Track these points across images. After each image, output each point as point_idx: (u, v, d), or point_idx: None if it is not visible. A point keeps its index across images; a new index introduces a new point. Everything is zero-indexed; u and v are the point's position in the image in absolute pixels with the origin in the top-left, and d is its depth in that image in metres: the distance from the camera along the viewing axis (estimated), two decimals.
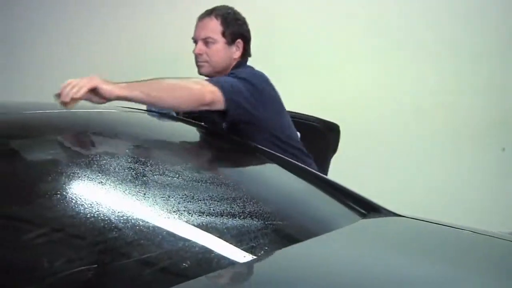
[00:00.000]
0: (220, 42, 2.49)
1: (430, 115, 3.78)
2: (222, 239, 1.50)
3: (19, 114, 2.01)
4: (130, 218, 1.48)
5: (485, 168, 3.75)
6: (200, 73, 2.54)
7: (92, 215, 1.44)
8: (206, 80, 2.30)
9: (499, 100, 3.74)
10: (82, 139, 1.92)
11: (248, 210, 1.65)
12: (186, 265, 1.39)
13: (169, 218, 1.54)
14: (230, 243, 1.50)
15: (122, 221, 1.45)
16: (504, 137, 3.73)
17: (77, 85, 1.89)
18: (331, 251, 1.60)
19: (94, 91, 1.93)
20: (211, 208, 1.61)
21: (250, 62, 2.62)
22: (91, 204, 1.48)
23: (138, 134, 2.12)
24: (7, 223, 1.45)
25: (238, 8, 2.62)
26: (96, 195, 1.56)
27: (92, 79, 1.92)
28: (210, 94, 2.19)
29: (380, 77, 3.83)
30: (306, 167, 2.14)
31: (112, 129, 2.08)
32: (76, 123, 2.02)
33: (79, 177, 1.63)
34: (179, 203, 1.58)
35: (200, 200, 1.63)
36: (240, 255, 1.47)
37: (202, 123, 2.36)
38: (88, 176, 1.64)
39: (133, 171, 1.73)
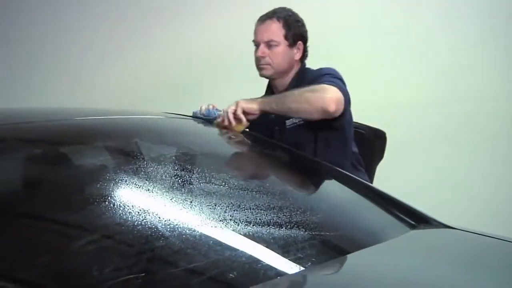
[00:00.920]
0: (283, 45, 2.51)
1: (479, 121, 3.70)
2: (270, 249, 1.49)
3: (71, 120, 2.06)
4: (178, 227, 1.48)
5: None
6: (262, 75, 2.57)
7: (139, 223, 1.44)
8: (330, 85, 2.33)
9: None
10: (131, 146, 1.93)
11: (296, 220, 1.63)
12: (233, 276, 1.38)
13: (216, 227, 1.53)
14: (278, 254, 1.49)
15: (169, 229, 1.45)
16: None
17: (230, 112, 2.29)
18: (380, 263, 1.56)
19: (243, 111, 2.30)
20: (259, 218, 1.59)
21: None
22: (138, 212, 1.48)
23: (185, 140, 2.13)
24: (56, 229, 1.47)
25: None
26: (144, 202, 1.57)
27: (238, 103, 2.31)
28: (334, 103, 2.27)
29: (428, 82, 3.77)
30: (355, 177, 2.11)
31: (161, 135, 2.10)
32: (126, 129, 2.04)
33: (128, 184, 1.63)
34: (226, 212, 1.57)
35: (248, 210, 1.62)
36: (288, 266, 1.45)
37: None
38: (136, 183, 1.64)
39: (180, 179, 1.73)
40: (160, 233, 1.43)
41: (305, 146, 2.42)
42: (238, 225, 1.54)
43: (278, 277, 1.39)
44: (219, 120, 2.33)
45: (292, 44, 2.52)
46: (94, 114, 2.22)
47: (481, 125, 3.70)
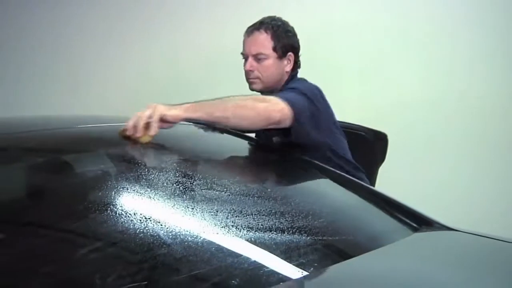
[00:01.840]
0: (272, 57, 2.43)
1: (485, 122, 3.69)
2: (273, 254, 1.48)
3: (70, 128, 2.06)
4: (180, 233, 1.48)
5: None
6: (252, 89, 2.48)
7: (141, 230, 1.43)
8: (274, 96, 2.19)
9: None
10: (132, 153, 1.93)
11: (298, 225, 1.63)
12: (236, 282, 1.37)
13: (218, 233, 1.52)
14: (281, 259, 1.48)
15: (172, 236, 1.45)
16: None
17: (143, 119, 1.85)
18: (384, 267, 1.56)
19: (161, 119, 1.90)
20: (261, 223, 1.58)
21: None
22: (140, 219, 1.47)
23: (187, 146, 2.12)
24: (59, 237, 1.46)
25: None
26: (143, 210, 1.55)
27: (156, 109, 1.89)
28: (279, 113, 2.10)
29: (428, 83, 3.76)
30: (356, 180, 2.10)
31: (161, 142, 2.09)
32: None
33: (129, 191, 1.63)
34: (228, 218, 1.57)
35: (250, 215, 1.61)
36: (290, 271, 1.44)
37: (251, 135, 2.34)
38: (137, 190, 1.64)
39: (182, 185, 1.73)
40: (161, 240, 1.43)
41: None
42: (238, 231, 1.53)
43: (281, 283, 1.39)
44: (123, 129, 1.88)
45: (281, 56, 2.44)
46: (89, 122, 2.21)
47: (484, 125, 3.69)
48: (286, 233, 1.57)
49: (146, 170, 1.75)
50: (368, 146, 2.74)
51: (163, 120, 1.89)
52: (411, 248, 1.69)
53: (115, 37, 4.32)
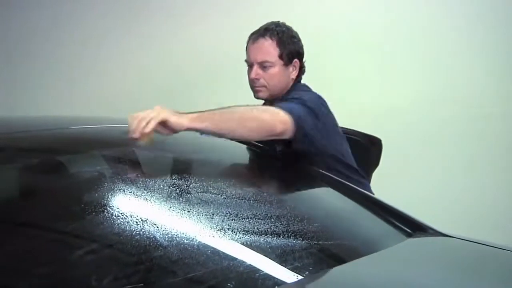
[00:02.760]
0: (278, 65, 2.36)
1: (478, 126, 3.70)
2: (268, 258, 1.49)
3: (63, 129, 2.06)
4: (176, 236, 1.48)
5: None
6: (257, 98, 2.43)
7: (136, 233, 1.44)
8: (276, 107, 2.15)
9: None
10: (126, 155, 1.94)
11: (292, 229, 1.63)
12: (231, 285, 1.38)
13: (215, 236, 1.53)
14: (277, 263, 1.49)
15: (168, 239, 1.46)
16: None
17: (145, 119, 1.80)
18: (377, 272, 1.57)
19: (163, 123, 1.84)
20: (257, 228, 1.59)
21: None
22: (136, 222, 1.48)
23: (183, 150, 2.12)
24: (55, 239, 1.47)
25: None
26: (138, 213, 1.56)
27: (161, 111, 1.83)
28: (282, 124, 2.07)
29: (424, 88, 3.78)
30: (351, 185, 2.10)
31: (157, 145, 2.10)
32: (119, 138, 2.04)
33: (124, 193, 1.64)
34: (224, 221, 1.57)
35: (246, 219, 1.62)
36: (285, 276, 1.45)
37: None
38: (131, 193, 1.65)
39: (174, 188, 1.73)
40: (157, 243, 1.44)
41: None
42: (233, 234, 1.54)
43: (276, 287, 1.40)
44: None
45: (287, 62, 2.38)
46: (85, 123, 2.21)
47: (479, 129, 3.71)
48: (279, 238, 1.58)
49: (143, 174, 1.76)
50: (363, 151, 2.73)
51: (164, 125, 1.84)
52: (404, 254, 1.70)
53: (112, 37, 4.32)
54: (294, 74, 2.42)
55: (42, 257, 1.38)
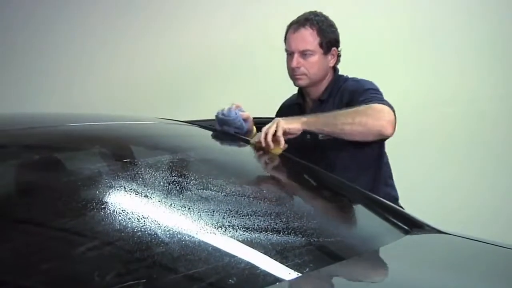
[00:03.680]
0: (318, 53, 2.44)
1: (475, 122, 3.72)
2: (268, 256, 1.50)
3: (62, 126, 2.06)
4: (174, 234, 1.49)
5: None
6: (297, 85, 2.51)
7: (135, 229, 1.45)
8: (383, 105, 2.26)
9: None
10: (122, 153, 1.95)
11: (291, 227, 1.65)
12: (232, 281, 1.39)
13: (216, 234, 1.54)
14: (276, 260, 1.49)
15: (166, 236, 1.46)
16: None
17: (270, 133, 2.13)
18: (375, 270, 1.59)
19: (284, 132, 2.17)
20: (256, 225, 1.60)
21: None
22: (132, 219, 1.49)
23: (179, 145, 2.13)
24: (53, 236, 1.48)
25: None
26: (138, 210, 1.57)
27: (279, 124, 2.15)
28: (390, 127, 2.22)
29: (422, 84, 3.79)
30: (349, 183, 2.11)
31: (153, 141, 2.10)
32: (118, 136, 2.05)
33: (120, 191, 1.64)
34: (223, 218, 1.58)
35: (245, 216, 1.63)
36: (283, 273, 1.45)
37: None
38: (127, 191, 1.65)
39: (173, 186, 1.74)
40: (157, 240, 1.44)
41: (336, 161, 2.38)
42: (234, 231, 1.55)
43: (274, 284, 1.40)
44: (255, 140, 2.20)
45: (326, 51, 2.46)
46: (83, 120, 2.22)
47: (477, 126, 3.73)
48: (277, 235, 1.59)
49: (131, 171, 1.77)
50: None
51: (286, 133, 2.17)
52: (402, 251, 1.71)
53: (109, 36, 4.31)
54: (332, 62, 2.50)
55: (37, 254, 1.38)
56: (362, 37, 3.80)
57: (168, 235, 1.47)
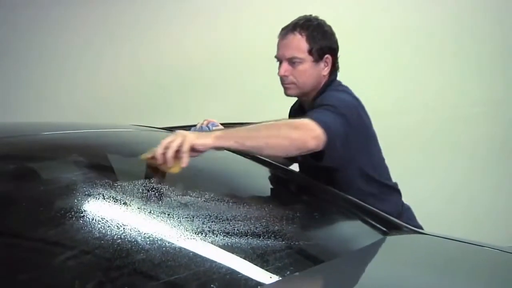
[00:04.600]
0: (307, 61, 2.24)
1: (473, 125, 3.76)
2: (247, 260, 1.50)
3: (37, 135, 2.05)
4: (157, 240, 1.48)
5: None
6: (287, 95, 2.33)
7: (114, 237, 1.44)
8: (310, 119, 1.98)
9: None
10: (99, 160, 1.94)
11: (268, 230, 1.65)
12: (214, 287, 1.38)
13: (195, 239, 1.53)
14: (255, 264, 1.50)
15: (148, 243, 1.45)
16: None
17: (173, 148, 1.75)
18: (354, 271, 1.59)
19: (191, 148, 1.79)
20: (236, 229, 1.60)
21: None
22: (110, 227, 1.48)
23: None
24: (33, 246, 1.46)
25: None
26: (116, 218, 1.57)
27: (185, 139, 1.77)
28: (314, 140, 1.93)
29: (418, 89, 3.82)
30: (326, 186, 2.11)
31: (131, 148, 2.09)
32: (95, 143, 2.03)
33: (97, 199, 1.63)
34: (203, 223, 1.58)
35: (223, 221, 1.63)
36: (262, 277, 1.45)
37: None
38: (105, 198, 1.64)
39: (150, 193, 1.73)
40: (134, 248, 1.43)
41: (321, 177, 2.19)
42: (213, 237, 1.54)
43: None
44: (147, 155, 1.78)
45: (318, 59, 2.25)
46: (59, 129, 2.20)
47: (476, 129, 3.77)
48: (256, 239, 1.59)
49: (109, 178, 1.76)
50: None
51: (193, 150, 1.79)
52: (380, 252, 1.73)
53: (99, 40, 4.26)
54: (326, 71, 2.29)
55: (13, 265, 1.36)
56: (353, 40, 3.81)
57: (146, 243, 1.46)
